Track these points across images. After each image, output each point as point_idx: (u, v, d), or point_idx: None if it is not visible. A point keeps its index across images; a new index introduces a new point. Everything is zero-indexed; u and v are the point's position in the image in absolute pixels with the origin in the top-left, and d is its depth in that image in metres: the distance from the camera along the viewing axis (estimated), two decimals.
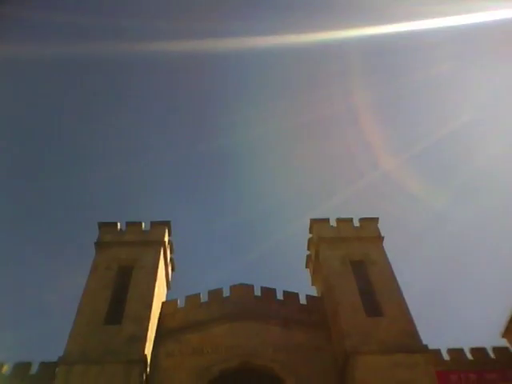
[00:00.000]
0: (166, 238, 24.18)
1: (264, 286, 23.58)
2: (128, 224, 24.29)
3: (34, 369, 20.15)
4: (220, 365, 19.98)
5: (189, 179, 61.11)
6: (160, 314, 21.95)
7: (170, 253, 25.29)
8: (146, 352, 18.04)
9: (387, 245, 23.56)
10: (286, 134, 51.38)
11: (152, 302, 20.08)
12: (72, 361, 17.46)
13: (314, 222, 25.07)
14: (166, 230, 24.28)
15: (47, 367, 19.43)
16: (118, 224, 24.17)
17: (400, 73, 49.73)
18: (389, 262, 22.44)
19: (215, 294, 23.25)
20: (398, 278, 21.55)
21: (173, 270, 25.99)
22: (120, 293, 20.83)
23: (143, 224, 24.25)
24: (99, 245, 22.98)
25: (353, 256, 22.67)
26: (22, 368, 20.04)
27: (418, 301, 47.46)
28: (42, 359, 20.33)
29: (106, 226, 23.94)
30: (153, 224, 24.34)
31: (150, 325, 19.26)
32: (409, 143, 51.23)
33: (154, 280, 21.17)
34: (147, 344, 18.43)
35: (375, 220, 24.94)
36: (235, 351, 20.47)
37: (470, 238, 53.80)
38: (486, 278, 52.15)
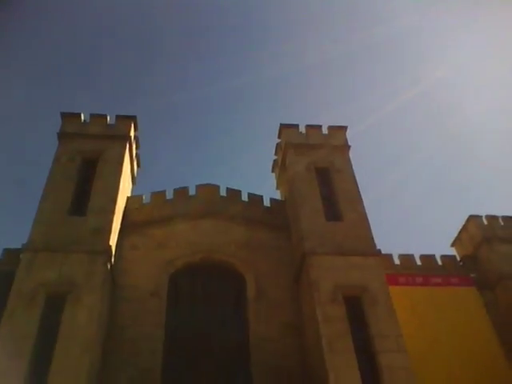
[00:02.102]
0: (132, 133, 23.61)
1: (230, 187, 23.95)
2: (92, 116, 23.44)
3: None
4: (183, 259, 20.70)
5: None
6: (125, 208, 22.09)
7: (136, 148, 24.83)
8: (110, 243, 18.31)
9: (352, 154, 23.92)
10: None
11: (117, 195, 20.04)
12: (36, 248, 17.55)
13: (283, 127, 24.89)
14: (132, 125, 23.62)
15: (11, 253, 19.65)
16: (82, 115, 23.31)
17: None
18: (353, 171, 22.86)
19: (181, 192, 23.42)
20: (359, 186, 22.16)
21: (138, 166, 25.74)
22: (84, 185, 20.59)
23: (108, 117, 23.48)
24: (62, 136, 22.23)
25: (318, 163, 22.91)
26: None
27: (377, 208, 49.85)
28: (5, 246, 20.57)
29: (69, 117, 23.02)
30: (118, 118, 23.54)
31: (115, 218, 19.38)
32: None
33: (119, 174, 20.93)
34: (112, 236, 18.66)
35: (343, 128, 25.00)
36: (198, 247, 21.13)
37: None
38: (444, 190, 54.68)
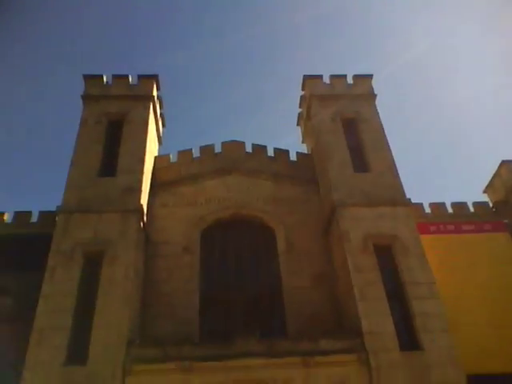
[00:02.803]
0: (155, 93, 23.55)
1: (255, 143, 23.85)
2: (114, 77, 23.41)
3: (34, 217, 21.05)
4: (213, 215, 20.98)
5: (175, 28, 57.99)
6: (153, 168, 22.33)
7: (160, 108, 24.84)
8: (141, 202, 18.64)
9: (380, 103, 23.36)
10: None
11: (144, 155, 20.22)
12: (70, 210, 18.03)
13: (307, 78, 24.38)
14: (155, 84, 23.52)
15: (46, 216, 20.24)
16: (104, 77, 23.30)
17: None
18: (380, 120, 22.39)
19: (207, 149, 23.47)
20: (387, 136, 21.74)
21: (163, 125, 25.80)
22: (111, 147, 20.83)
23: (130, 77, 23.41)
24: (86, 98, 22.35)
25: (344, 113, 22.49)
26: (22, 217, 20.89)
27: (406, 157, 49.11)
28: (41, 209, 21.19)
29: (92, 79, 23.06)
30: (140, 78, 23.47)
31: (144, 177, 19.63)
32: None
33: (145, 134, 21.04)
34: (142, 195, 18.98)
35: (369, 77, 24.34)
36: (227, 203, 21.35)
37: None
38: (476, 138, 53.27)
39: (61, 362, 14.30)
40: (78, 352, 14.61)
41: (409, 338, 15.77)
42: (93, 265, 16.66)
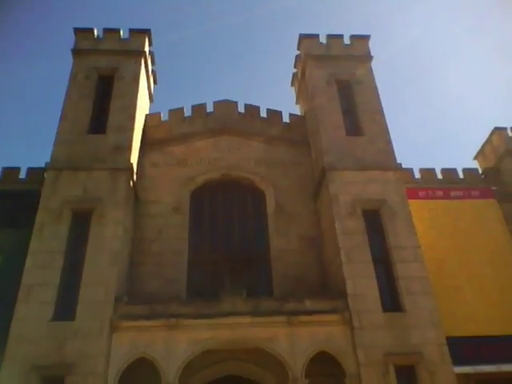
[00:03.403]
0: (147, 48, 22.98)
1: (248, 103, 23.53)
2: (105, 31, 22.76)
3: (22, 174, 20.89)
4: (203, 175, 20.94)
5: None
6: (144, 126, 22.08)
7: (152, 64, 24.32)
8: (131, 161, 18.51)
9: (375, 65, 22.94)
10: None
11: (135, 113, 19.91)
12: (59, 167, 17.89)
13: (302, 37, 23.82)
14: (147, 40, 22.92)
15: (35, 173, 20.10)
16: (95, 30, 22.66)
17: None
18: (375, 83, 22.06)
19: (199, 109, 23.17)
20: (381, 99, 21.48)
21: (155, 82, 25.33)
22: (101, 103, 20.47)
23: (122, 32, 22.77)
24: (77, 52, 21.76)
25: (339, 75, 22.10)
26: (10, 173, 20.70)
27: (399, 122, 48.82)
28: (29, 165, 21.00)
29: (83, 33, 22.42)
30: (132, 32, 22.82)
31: (134, 135, 19.41)
32: None
33: (136, 91, 20.65)
34: (132, 154, 18.83)
35: (366, 38, 23.81)
36: (218, 164, 21.28)
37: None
38: (468, 104, 52.86)
39: (49, 317, 14.56)
40: (65, 308, 14.85)
41: (392, 301, 16.14)
42: (81, 222, 16.69)
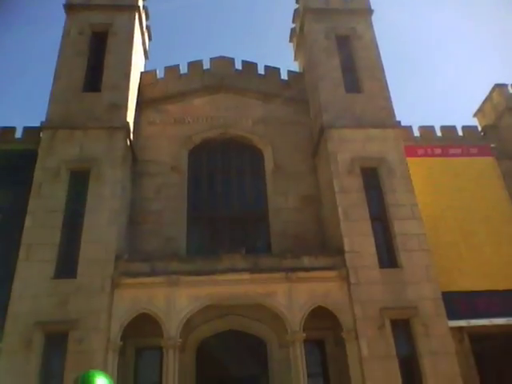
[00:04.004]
0: (141, 3, 22.29)
1: (245, 60, 23.07)
2: None
3: (18, 133, 20.66)
4: (201, 134, 20.75)
5: None
6: (139, 84, 21.69)
7: (146, 19, 23.67)
8: (127, 119, 18.30)
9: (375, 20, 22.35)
10: None
11: (130, 70, 19.51)
12: (55, 125, 17.69)
13: None
14: None
15: (31, 132, 19.84)
16: None
17: None
18: (375, 38, 21.57)
19: (195, 65, 22.71)
20: (382, 55, 21.06)
21: (150, 39, 24.72)
22: (96, 60, 20.02)
23: None
24: (69, 8, 21.07)
25: (339, 30, 21.55)
26: (6, 133, 20.44)
27: (400, 79, 48.12)
28: (25, 124, 20.75)
29: None
30: None
31: (130, 94, 19.10)
32: None
33: (131, 47, 20.15)
34: (128, 112, 18.58)
35: None
36: (215, 122, 21.05)
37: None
38: (469, 62, 51.98)
39: (50, 275, 14.76)
40: (66, 266, 15.03)
41: (389, 257, 16.38)
42: (79, 182, 16.65)
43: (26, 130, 20.38)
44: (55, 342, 14.02)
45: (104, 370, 13.60)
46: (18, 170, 18.10)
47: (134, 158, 19.31)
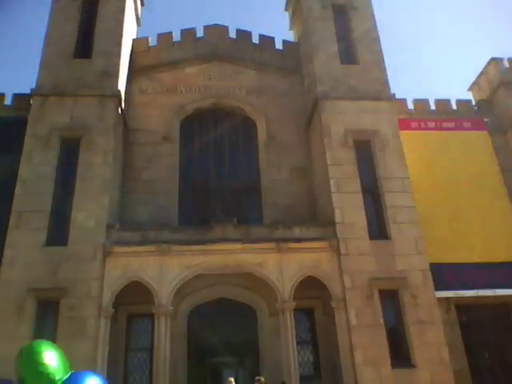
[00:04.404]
0: None
1: (240, 28, 22.65)
2: None
3: (7, 100, 20.32)
4: (193, 104, 20.53)
5: None
6: (131, 51, 21.30)
7: None
8: (119, 87, 18.03)
9: None
10: None
11: (122, 37, 19.11)
12: (45, 92, 17.42)
13: None
14: None
15: (21, 99, 19.50)
16: None
17: None
18: (372, 9, 21.25)
19: (188, 33, 22.28)
20: (378, 27, 20.79)
21: (142, 4, 24.16)
22: (86, 27, 19.61)
23: None
24: None
25: None
26: None
27: (395, 51, 47.62)
28: (14, 91, 20.38)
29: None
30: None
31: (121, 61, 18.77)
32: None
33: (122, 14, 19.69)
34: (120, 80, 18.29)
35: None
36: (209, 92, 20.81)
37: None
38: (467, 35, 51.42)
39: (41, 242, 14.78)
40: (58, 234, 15.04)
41: (379, 229, 16.54)
42: (70, 150, 16.53)
43: (16, 96, 20.04)
44: (47, 309, 14.18)
45: (96, 335, 13.82)
46: (7, 137, 17.88)
47: (126, 126, 19.11)
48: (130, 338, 16.20)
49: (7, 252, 14.48)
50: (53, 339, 13.28)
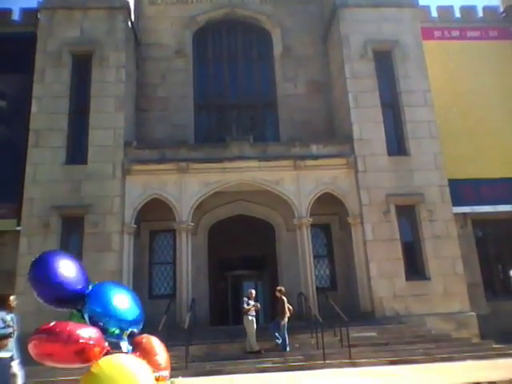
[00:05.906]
0: None
1: None
2: None
3: (15, 15, 19.56)
4: (206, 14, 19.56)
5: None
6: None
7: None
8: None
9: None
10: None
11: None
12: (53, 6, 16.67)
13: None
14: None
15: (29, 14, 18.76)
16: None
17: None
18: None
19: None
20: None
21: None
22: None
23: None
24: None
25: None
26: (2, 15, 19.31)
27: None
28: (22, 6, 19.59)
29: None
30: None
31: None
32: None
33: None
34: None
35: None
36: (221, 1, 19.73)
37: None
38: None
39: (61, 161, 14.92)
40: (77, 152, 15.16)
41: (398, 145, 16.33)
42: (82, 67, 16.13)
43: (24, 11, 19.28)
44: (71, 225, 14.63)
45: (121, 250, 14.35)
46: (18, 54, 17.42)
47: (137, 41, 18.44)
48: (153, 252, 16.79)
49: (29, 169, 14.67)
50: (79, 253, 13.88)
